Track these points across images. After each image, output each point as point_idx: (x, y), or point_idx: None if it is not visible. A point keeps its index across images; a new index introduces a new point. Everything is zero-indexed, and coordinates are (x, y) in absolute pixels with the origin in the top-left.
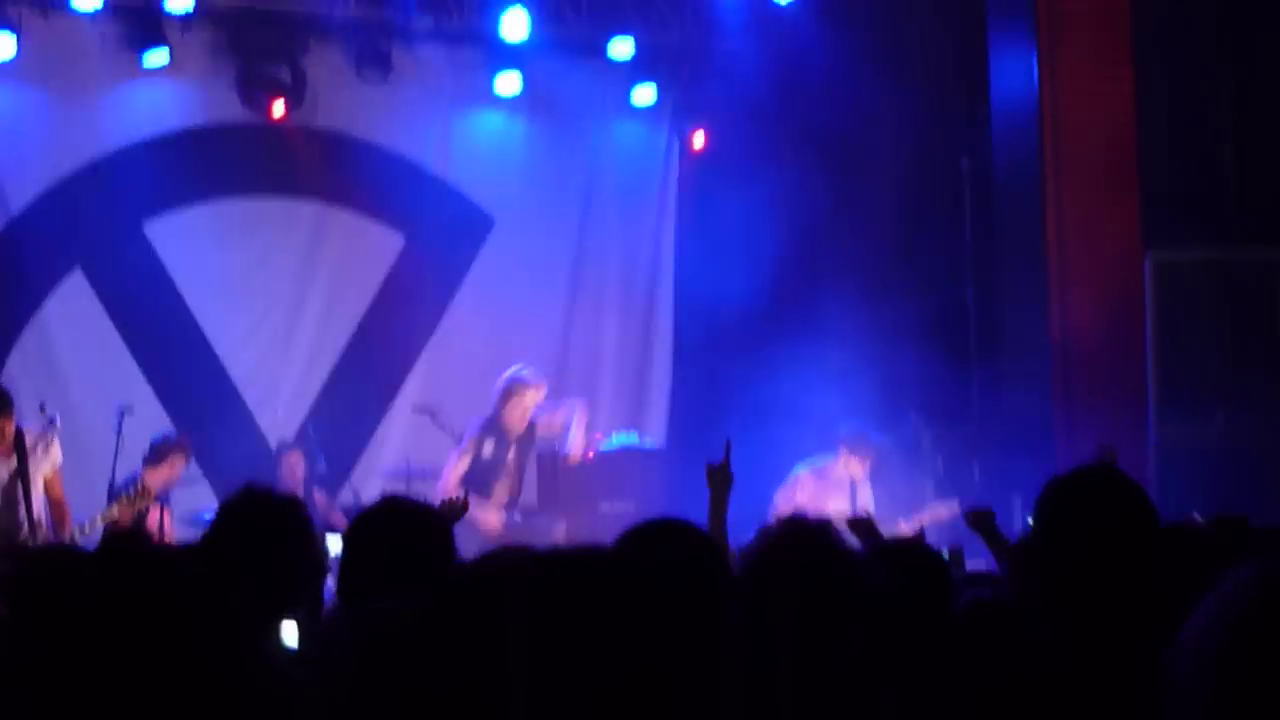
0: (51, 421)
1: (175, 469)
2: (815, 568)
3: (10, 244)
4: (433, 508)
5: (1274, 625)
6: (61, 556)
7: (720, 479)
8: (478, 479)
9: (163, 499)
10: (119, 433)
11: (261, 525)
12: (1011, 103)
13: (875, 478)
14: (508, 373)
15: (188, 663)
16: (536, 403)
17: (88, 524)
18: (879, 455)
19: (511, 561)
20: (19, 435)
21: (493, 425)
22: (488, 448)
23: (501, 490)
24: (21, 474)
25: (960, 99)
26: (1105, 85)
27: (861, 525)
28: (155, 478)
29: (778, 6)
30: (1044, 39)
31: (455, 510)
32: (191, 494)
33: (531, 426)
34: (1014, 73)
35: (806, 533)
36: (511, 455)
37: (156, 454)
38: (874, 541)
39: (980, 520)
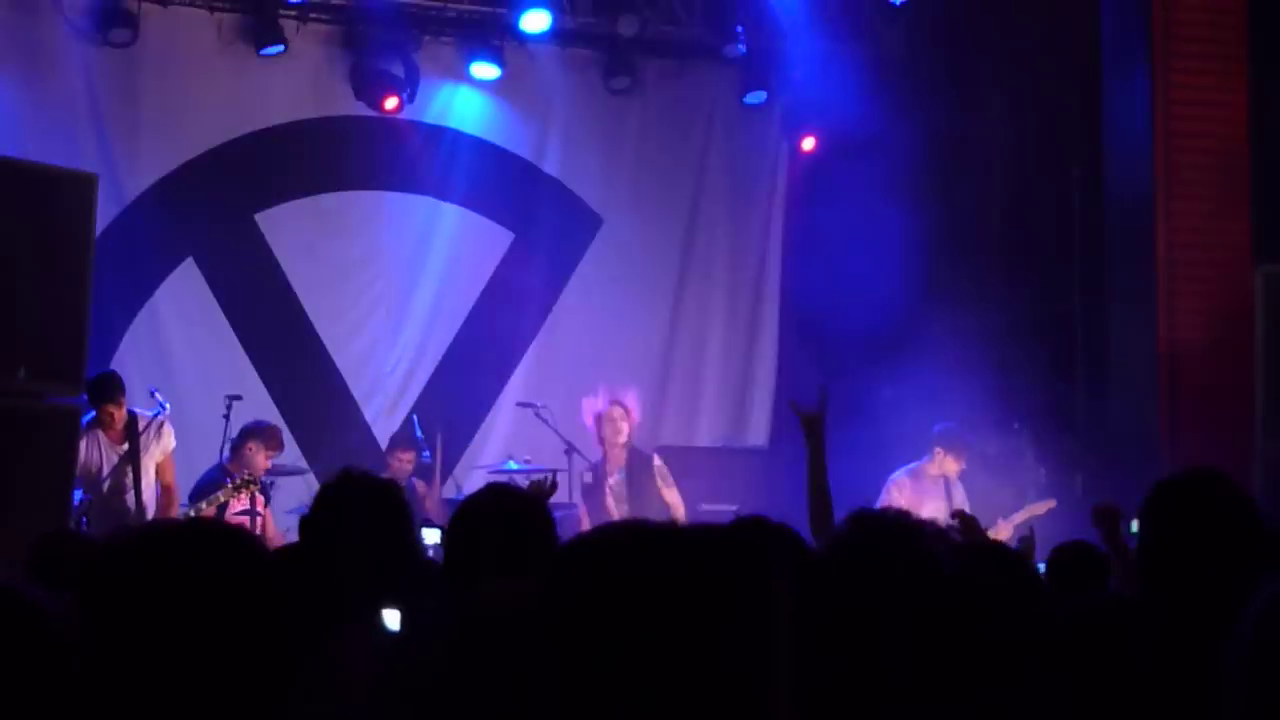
0: (162, 407)
1: (258, 456)
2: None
3: (124, 232)
4: (537, 497)
5: None
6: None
7: (813, 424)
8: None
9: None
10: (227, 420)
11: (359, 508)
12: (1124, 113)
13: (970, 480)
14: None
15: (267, 645)
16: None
17: (193, 510)
18: (973, 453)
19: (619, 536)
20: (131, 420)
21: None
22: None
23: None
24: (133, 459)
25: (1073, 108)
26: (1219, 96)
27: (966, 520)
28: (237, 466)
29: (893, 9)
30: (1159, 49)
31: (544, 490)
32: (297, 485)
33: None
34: (1128, 83)
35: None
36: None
37: (237, 440)
38: (974, 536)
39: (1107, 516)
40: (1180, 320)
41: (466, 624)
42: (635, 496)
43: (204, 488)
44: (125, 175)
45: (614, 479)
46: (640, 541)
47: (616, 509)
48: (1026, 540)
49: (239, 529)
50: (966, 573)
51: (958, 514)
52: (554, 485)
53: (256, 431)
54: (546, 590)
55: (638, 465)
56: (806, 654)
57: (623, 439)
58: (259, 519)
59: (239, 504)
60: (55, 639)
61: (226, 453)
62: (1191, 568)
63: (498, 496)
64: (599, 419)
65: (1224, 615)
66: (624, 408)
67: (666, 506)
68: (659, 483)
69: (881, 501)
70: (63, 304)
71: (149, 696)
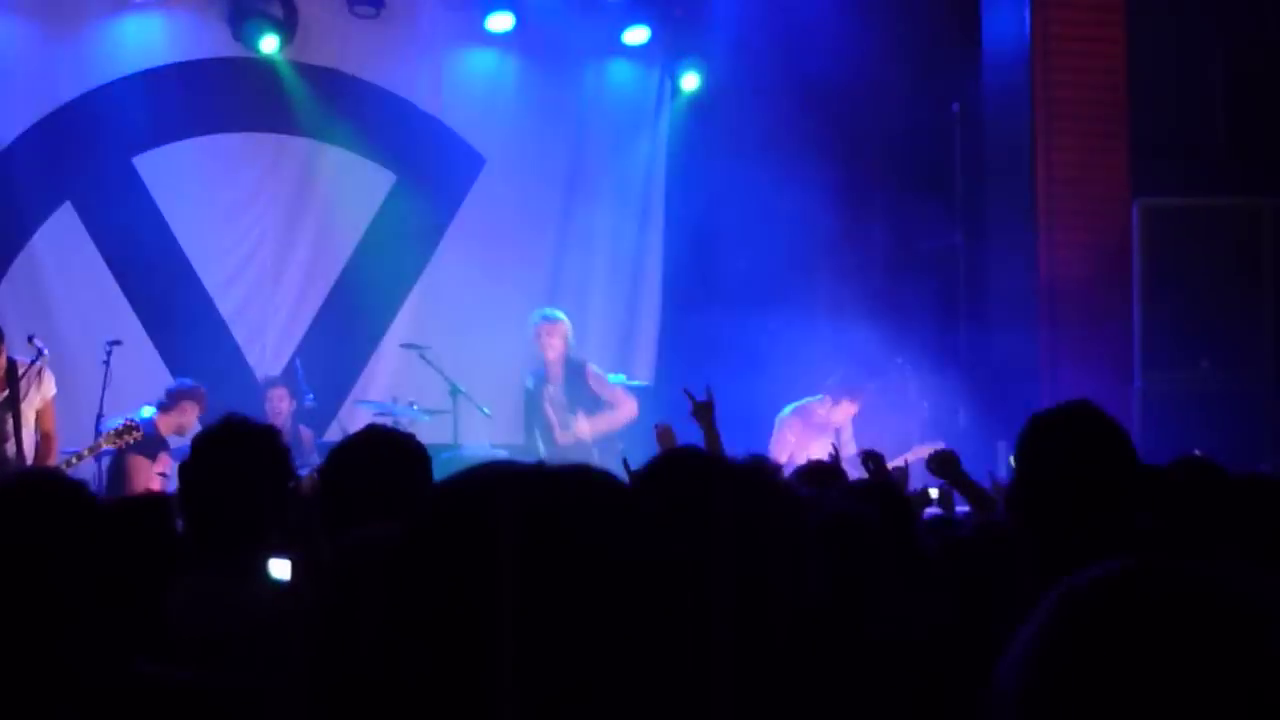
0: (40, 353)
1: (188, 416)
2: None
3: (0, 177)
4: (412, 437)
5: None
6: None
7: (703, 411)
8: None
9: (177, 448)
10: (107, 366)
11: (237, 455)
12: (1003, 46)
13: (859, 420)
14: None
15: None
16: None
17: (74, 457)
18: (868, 399)
19: (497, 478)
20: (11, 366)
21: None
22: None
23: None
24: (12, 405)
25: (952, 43)
26: (1097, 31)
27: (874, 459)
28: (166, 424)
29: None
30: None
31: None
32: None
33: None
34: (1006, 17)
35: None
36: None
37: (170, 399)
38: (881, 474)
39: (944, 463)
40: (1060, 255)
41: (340, 569)
42: (575, 402)
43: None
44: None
45: (552, 388)
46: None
47: (555, 415)
48: (900, 470)
49: (65, 482)
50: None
51: (867, 454)
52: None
53: (195, 393)
54: (415, 534)
55: (573, 373)
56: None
57: (554, 353)
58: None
59: (161, 464)
60: None
61: (153, 410)
62: (1063, 501)
63: (372, 439)
64: (535, 335)
65: (1093, 550)
66: (555, 324)
67: (609, 403)
68: (594, 385)
69: (773, 442)
70: None
71: None
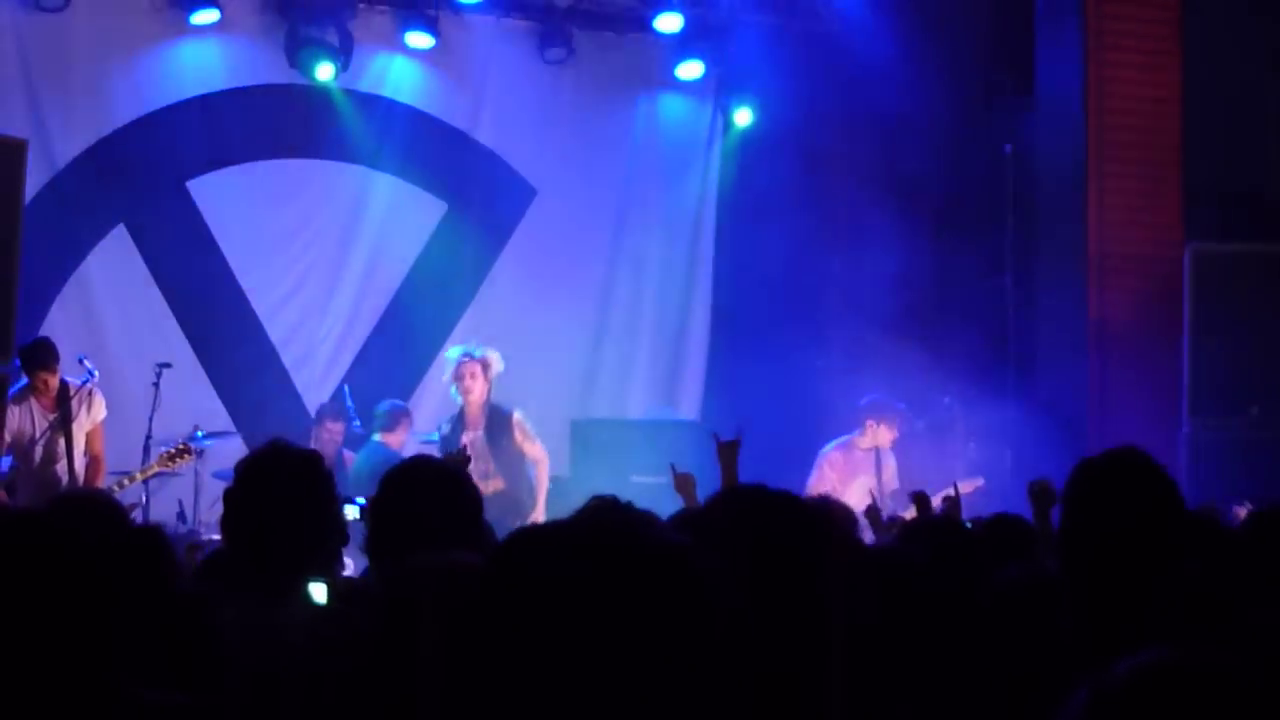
0: (91, 374)
1: (404, 435)
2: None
3: (55, 198)
4: (460, 468)
5: None
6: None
7: (728, 452)
8: None
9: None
10: (156, 388)
11: (283, 481)
12: (1056, 88)
13: (900, 454)
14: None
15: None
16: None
17: (125, 479)
18: (904, 423)
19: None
20: (63, 388)
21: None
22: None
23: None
24: (64, 427)
25: (1006, 83)
26: (1152, 75)
27: (920, 500)
28: (395, 441)
29: None
30: (1092, 27)
31: (459, 460)
32: (226, 451)
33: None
34: (1060, 60)
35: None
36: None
37: (391, 419)
38: (925, 513)
39: (1042, 494)
40: (1110, 298)
41: (396, 597)
42: (497, 453)
43: (375, 465)
44: (56, 141)
45: (471, 435)
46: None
47: (474, 465)
48: (950, 500)
49: (104, 503)
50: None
51: (915, 496)
52: (467, 457)
53: (406, 413)
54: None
55: (497, 422)
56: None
57: (474, 396)
58: None
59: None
60: None
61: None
62: (1111, 550)
63: (418, 470)
64: (455, 375)
65: (1139, 597)
66: (477, 363)
67: (530, 461)
68: (518, 437)
69: (812, 478)
70: None
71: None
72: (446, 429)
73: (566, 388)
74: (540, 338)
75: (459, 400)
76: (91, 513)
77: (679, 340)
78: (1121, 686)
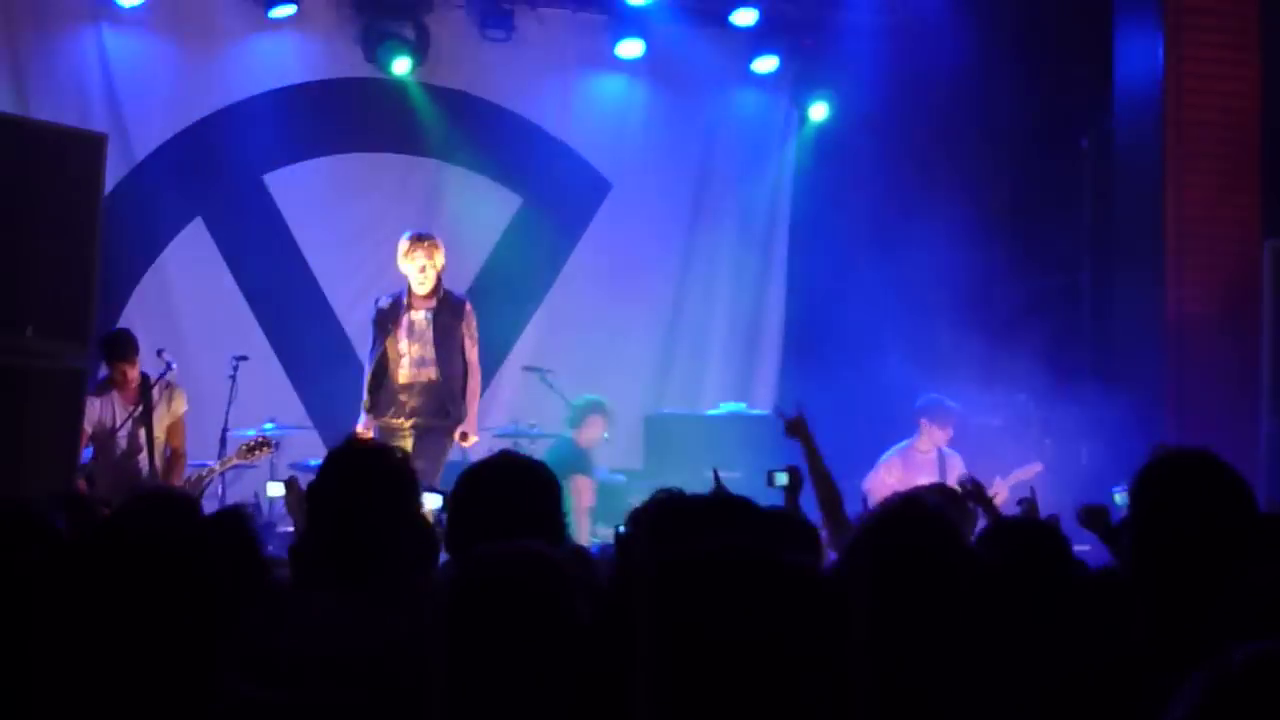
0: (169, 366)
1: (596, 429)
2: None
3: (133, 191)
4: (542, 463)
5: None
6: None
7: (797, 426)
8: None
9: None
10: (233, 381)
11: (361, 476)
12: (1135, 83)
13: (973, 450)
14: None
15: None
16: None
17: (205, 472)
18: (958, 421)
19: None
20: (144, 381)
21: None
22: None
23: None
24: (145, 420)
25: (1084, 78)
26: (1230, 69)
27: (975, 488)
28: (582, 438)
29: None
30: (1170, 19)
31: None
32: (303, 443)
33: None
34: (1139, 53)
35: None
36: None
37: (578, 414)
38: (983, 503)
39: (1093, 518)
40: (1188, 294)
41: (467, 584)
42: (441, 341)
43: (559, 461)
44: (135, 135)
45: (418, 314)
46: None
47: (409, 348)
48: (1027, 502)
49: (183, 500)
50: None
51: (967, 481)
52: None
53: (601, 407)
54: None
55: (448, 307)
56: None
57: (432, 273)
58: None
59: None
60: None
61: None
62: (1180, 550)
63: (503, 465)
64: (408, 252)
65: (1208, 597)
66: (436, 240)
67: (469, 365)
68: (465, 330)
69: (870, 480)
70: (71, 263)
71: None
72: (385, 302)
73: (640, 382)
74: (614, 332)
75: (414, 277)
76: (170, 509)
77: (753, 335)
78: (1240, 673)
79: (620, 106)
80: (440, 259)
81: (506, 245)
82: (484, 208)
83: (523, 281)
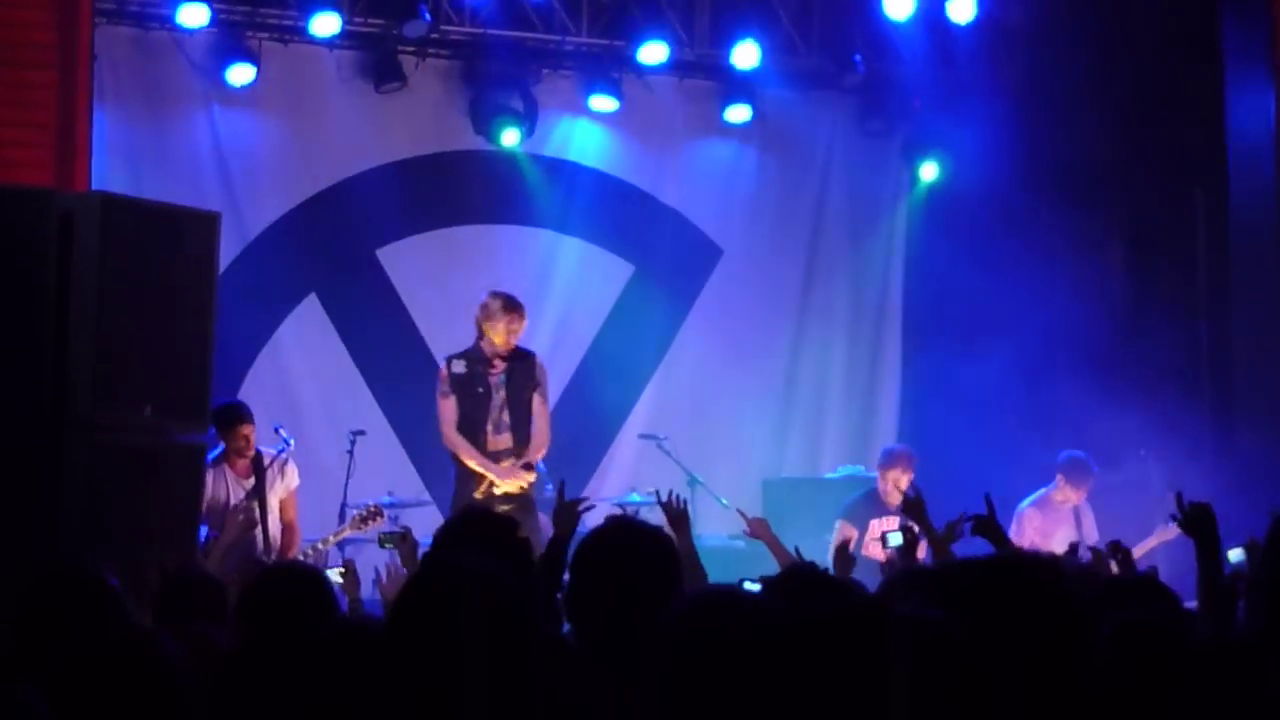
0: (287, 443)
1: (902, 480)
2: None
3: (247, 268)
4: (659, 529)
5: None
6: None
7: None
8: None
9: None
10: (351, 455)
11: (477, 546)
12: (1248, 135)
13: (1098, 508)
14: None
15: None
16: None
17: (319, 543)
18: (1096, 483)
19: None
20: (257, 457)
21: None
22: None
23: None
24: (259, 495)
25: (1196, 130)
26: None
27: (1121, 554)
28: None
29: (1010, 36)
30: None
31: (674, 510)
32: (420, 518)
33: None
34: (1251, 105)
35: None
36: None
37: (889, 460)
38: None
39: (1198, 518)
40: None
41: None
42: (514, 404)
43: (850, 506)
44: (248, 212)
45: (496, 376)
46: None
47: (490, 415)
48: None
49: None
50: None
51: (1113, 547)
52: (684, 504)
53: (904, 455)
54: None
55: (520, 363)
56: None
57: (512, 339)
58: None
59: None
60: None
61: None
62: None
63: (620, 533)
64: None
65: None
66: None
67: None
68: (538, 391)
69: (1012, 535)
70: (187, 342)
71: None
72: (461, 367)
73: (757, 447)
74: (729, 398)
75: (499, 338)
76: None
77: (869, 397)
78: None
79: (730, 171)
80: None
81: (620, 314)
82: (596, 277)
83: (636, 349)
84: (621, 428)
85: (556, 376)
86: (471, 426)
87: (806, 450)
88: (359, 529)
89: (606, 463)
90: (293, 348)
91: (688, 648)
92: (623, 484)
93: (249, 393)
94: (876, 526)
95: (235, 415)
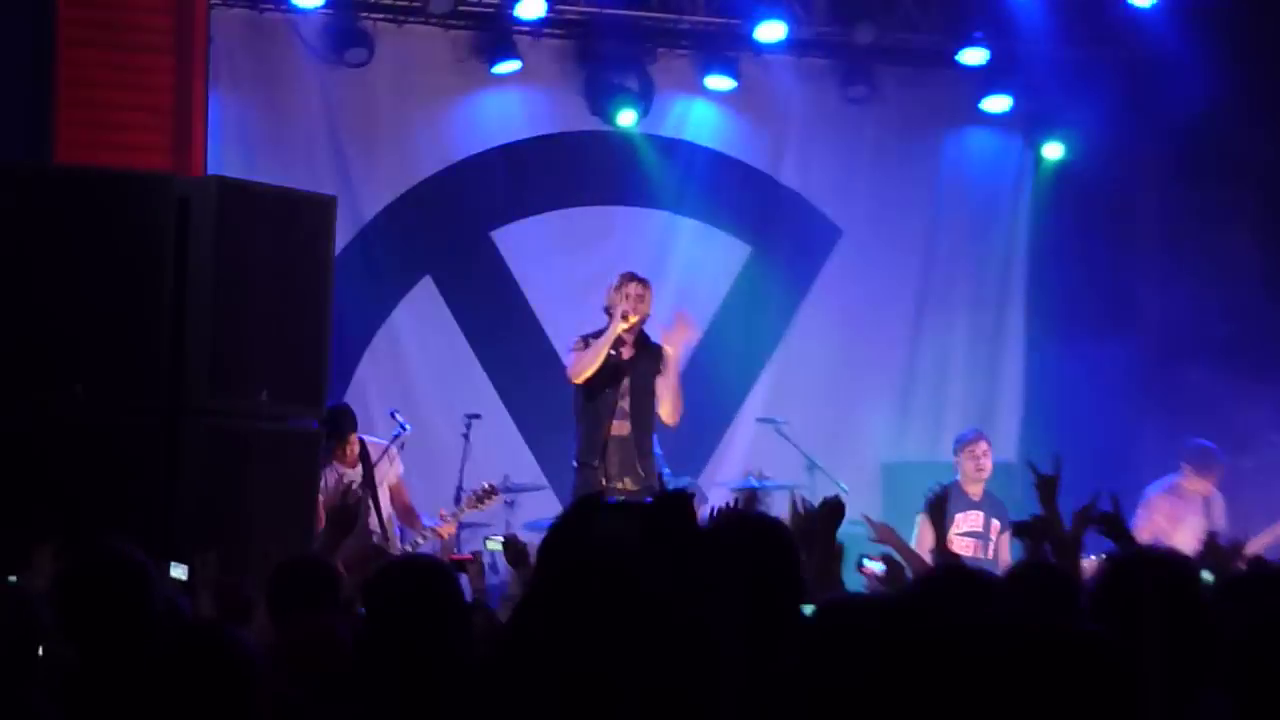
0: (403, 428)
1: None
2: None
3: (362, 251)
4: (774, 519)
5: None
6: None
7: (1048, 485)
8: None
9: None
10: (466, 439)
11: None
12: None
13: (1227, 494)
14: None
15: None
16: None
17: (430, 531)
18: (1225, 472)
19: None
20: (362, 446)
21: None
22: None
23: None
24: (368, 484)
25: None
26: None
27: (1213, 548)
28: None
29: (1136, 12)
30: None
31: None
32: (536, 502)
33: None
34: None
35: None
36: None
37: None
38: (1222, 564)
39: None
40: None
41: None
42: (637, 389)
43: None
44: (363, 195)
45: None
46: None
47: (605, 399)
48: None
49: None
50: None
51: (1208, 542)
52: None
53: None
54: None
55: (647, 352)
56: None
57: (639, 319)
58: None
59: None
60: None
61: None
62: None
63: (738, 523)
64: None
65: None
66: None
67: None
68: (664, 378)
69: (1138, 523)
70: (303, 326)
71: None
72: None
73: (878, 430)
74: (848, 380)
75: (626, 304)
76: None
77: (992, 380)
78: None
79: (849, 151)
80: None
81: (737, 296)
82: (713, 258)
83: (754, 332)
84: (739, 411)
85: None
86: (594, 404)
87: (927, 433)
88: (476, 507)
89: (724, 446)
90: (408, 331)
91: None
92: (740, 468)
93: (364, 376)
94: (962, 521)
95: (345, 422)
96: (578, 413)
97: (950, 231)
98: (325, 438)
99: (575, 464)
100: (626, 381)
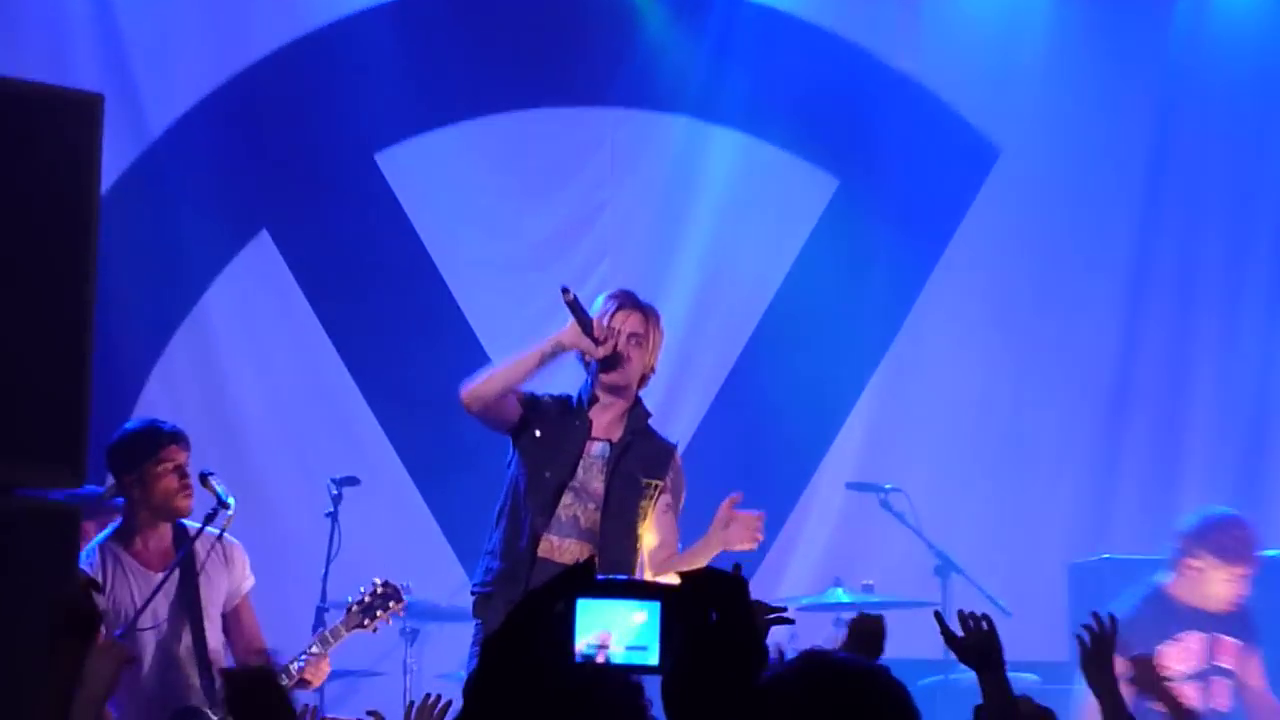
0: (222, 501)
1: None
2: None
3: (151, 188)
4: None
5: None
6: None
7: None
8: None
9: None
10: (334, 520)
11: None
12: None
13: None
14: None
15: None
16: None
17: (292, 666)
18: None
19: None
20: (181, 534)
21: None
22: None
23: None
24: (188, 600)
25: None
26: None
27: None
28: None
29: None
30: None
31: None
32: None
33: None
34: None
35: None
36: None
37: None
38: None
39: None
40: None
41: None
42: (617, 495)
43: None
44: (146, 93)
45: (596, 447)
46: None
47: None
48: None
49: None
50: None
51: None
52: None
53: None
54: None
55: (644, 443)
56: None
57: (631, 368)
58: None
59: None
60: None
61: None
62: None
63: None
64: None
65: None
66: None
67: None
68: (670, 483)
69: None
70: (50, 331)
71: None
72: (550, 402)
73: (1059, 501)
74: (1006, 409)
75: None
76: None
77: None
78: None
79: (1006, 40)
80: (648, 350)
81: (807, 264)
82: (785, 198)
83: (848, 331)
84: (816, 471)
85: (728, 341)
86: (531, 501)
87: (1148, 508)
88: (361, 625)
89: (790, 531)
90: (230, 327)
91: None
92: (815, 568)
93: (152, 405)
94: (1174, 653)
95: (152, 439)
96: (502, 503)
97: (1178, 173)
98: (118, 476)
99: (475, 588)
100: (597, 483)
